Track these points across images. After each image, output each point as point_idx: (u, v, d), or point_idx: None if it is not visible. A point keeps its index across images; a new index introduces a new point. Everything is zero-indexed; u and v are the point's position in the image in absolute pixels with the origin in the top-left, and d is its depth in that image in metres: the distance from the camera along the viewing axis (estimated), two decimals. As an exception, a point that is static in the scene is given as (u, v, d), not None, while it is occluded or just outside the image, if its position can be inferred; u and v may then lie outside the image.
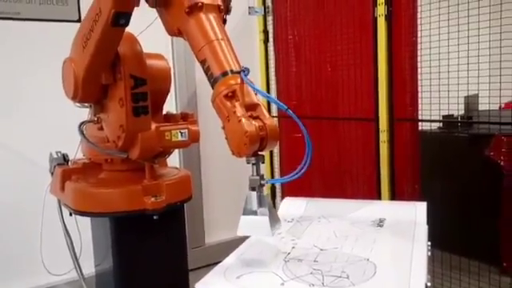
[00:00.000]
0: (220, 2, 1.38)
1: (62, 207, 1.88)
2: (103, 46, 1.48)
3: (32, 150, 2.76)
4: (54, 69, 2.82)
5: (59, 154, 1.89)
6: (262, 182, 1.21)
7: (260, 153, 1.21)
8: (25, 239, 2.65)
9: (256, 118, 1.19)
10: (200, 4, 1.31)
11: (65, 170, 1.82)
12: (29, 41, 2.81)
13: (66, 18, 2.88)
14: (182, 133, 1.65)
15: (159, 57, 1.75)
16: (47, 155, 1.93)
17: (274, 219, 1.22)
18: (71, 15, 2.89)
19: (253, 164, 1.21)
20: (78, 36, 1.57)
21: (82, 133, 1.69)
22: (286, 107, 1.21)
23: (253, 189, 1.21)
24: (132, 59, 1.57)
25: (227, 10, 1.46)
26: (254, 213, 1.21)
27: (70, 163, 1.88)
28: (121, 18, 1.38)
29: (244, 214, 1.23)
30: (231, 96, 1.19)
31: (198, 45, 1.30)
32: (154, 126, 1.60)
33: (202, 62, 1.28)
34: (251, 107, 1.21)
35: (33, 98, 2.84)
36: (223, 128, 1.21)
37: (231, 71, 1.24)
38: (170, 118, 1.76)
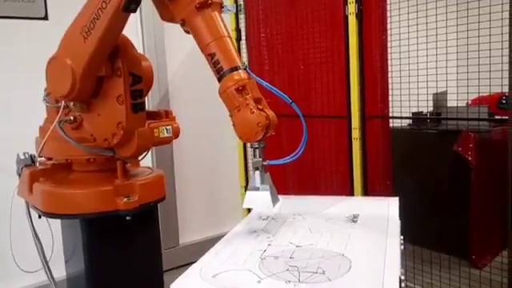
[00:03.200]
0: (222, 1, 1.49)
1: (31, 209, 1.82)
2: (110, 33, 1.49)
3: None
4: (20, 67, 2.78)
5: (27, 155, 1.84)
6: (264, 163, 1.41)
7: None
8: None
9: (261, 110, 1.36)
10: (210, 2, 1.40)
11: (33, 171, 1.77)
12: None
13: (33, 15, 2.81)
14: (167, 129, 1.71)
15: (143, 57, 1.76)
16: (14, 157, 1.87)
17: (273, 195, 1.43)
18: (38, 12, 2.82)
19: (255, 148, 1.40)
20: (73, 30, 1.54)
21: (64, 132, 1.64)
22: (290, 100, 1.41)
23: (256, 168, 1.42)
24: (130, 57, 1.60)
25: None
26: (257, 189, 1.42)
27: (37, 164, 1.83)
28: (132, 3, 1.42)
29: (248, 190, 1.43)
30: (241, 89, 1.34)
31: (206, 39, 1.40)
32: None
33: (210, 56, 1.39)
34: (257, 101, 1.38)
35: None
36: (231, 116, 1.37)
37: (239, 67, 1.37)
38: (154, 116, 1.76)
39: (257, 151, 1.40)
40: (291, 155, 1.43)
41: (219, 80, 1.38)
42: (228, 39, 1.41)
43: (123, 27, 1.55)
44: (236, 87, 1.34)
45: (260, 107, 1.36)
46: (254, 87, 1.40)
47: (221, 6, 1.46)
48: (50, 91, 1.68)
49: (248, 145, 3.61)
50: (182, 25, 1.45)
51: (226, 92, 1.36)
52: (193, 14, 1.40)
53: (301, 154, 1.42)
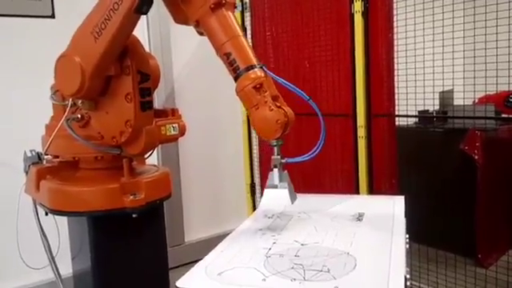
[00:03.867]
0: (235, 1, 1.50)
1: (38, 207, 1.84)
2: (121, 34, 1.50)
3: (5, 150, 2.70)
4: (27, 65, 2.80)
5: (33, 153, 1.85)
6: (283, 160, 1.42)
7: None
8: (1, 239, 2.60)
9: (279, 107, 1.36)
10: (224, 1, 1.41)
11: (40, 168, 1.78)
12: (0, 37, 2.74)
13: (40, 13, 2.82)
14: (173, 127, 1.73)
15: (150, 55, 1.77)
16: (19, 153, 1.88)
17: (292, 193, 1.46)
18: (45, 11, 2.83)
19: (274, 146, 1.41)
20: (84, 29, 1.54)
21: (72, 130, 1.65)
22: (308, 97, 1.43)
23: (275, 166, 1.43)
24: (139, 55, 1.60)
25: None
26: (275, 187, 1.44)
27: (44, 162, 1.84)
28: (144, 4, 1.43)
29: (267, 187, 1.45)
30: (259, 87, 1.34)
31: (222, 39, 1.40)
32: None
33: (226, 55, 1.40)
34: (274, 98, 1.38)
35: (5, 96, 2.78)
36: (249, 115, 1.37)
37: (255, 65, 1.38)
38: (160, 114, 1.77)
39: (275, 149, 1.41)
40: (309, 153, 1.44)
41: (236, 79, 1.39)
42: (243, 38, 1.42)
43: (134, 28, 1.56)
44: (253, 85, 1.34)
45: (278, 104, 1.37)
46: (271, 85, 1.40)
47: (234, 6, 1.47)
48: (59, 89, 1.69)
49: (254, 142, 3.62)
50: (196, 26, 1.46)
51: (243, 90, 1.36)
52: (207, 15, 1.41)
53: (318, 152, 1.43)
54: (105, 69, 1.56)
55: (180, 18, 1.53)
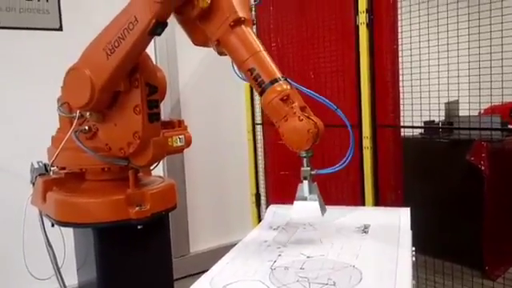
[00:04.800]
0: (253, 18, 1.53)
1: (44, 218, 1.84)
2: (134, 53, 1.52)
3: (13, 161, 2.72)
4: (36, 77, 2.83)
5: (40, 164, 1.86)
6: (312, 172, 1.41)
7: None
8: (7, 250, 2.61)
9: (308, 117, 1.35)
10: (243, 19, 1.42)
11: (46, 180, 1.79)
12: (9, 49, 2.78)
13: (48, 26, 2.86)
14: (180, 138, 1.74)
15: (158, 68, 1.78)
16: (28, 165, 1.89)
17: (321, 204, 1.43)
18: (52, 23, 2.87)
19: (304, 157, 1.39)
20: (97, 45, 1.56)
21: (80, 142, 1.67)
22: (335, 107, 1.45)
23: (304, 178, 1.41)
24: (147, 69, 1.62)
25: None
26: (305, 199, 1.42)
27: (51, 173, 1.85)
28: (159, 27, 1.44)
29: (297, 200, 1.43)
30: (286, 99, 1.35)
31: (244, 55, 1.41)
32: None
33: (250, 71, 1.41)
34: (302, 109, 1.37)
35: (13, 107, 2.80)
36: (278, 127, 1.37)
37: (280, 78, 1.38)
38: (167, 125, 1.78)
39: (304, 160, 1.40)
40: (339, 163, 1.43)
41: (261, 93, 1.39)
42: (265, 53, 1.43)
43: (146, 48, 1.58)
44: (280, 97, 1.34)
45: (306, 115, 1.36)
46: (298, 96, 1.40)
47: (252, 23, 1.48)
48: (68, 101, 1.70)
49: (259, 152, 3.63)
50: (217, 45, 1.46)
51: (270, 103, 1.36)
52: (227, 33, 1.42)
53: (349, 162, 1.42)
54: (115, 85, 1.57)
55: (199, 39, 1.53)
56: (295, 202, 1.42)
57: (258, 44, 1.43)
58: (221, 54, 1.51)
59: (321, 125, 1.37)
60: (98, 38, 1.57)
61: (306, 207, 1.41)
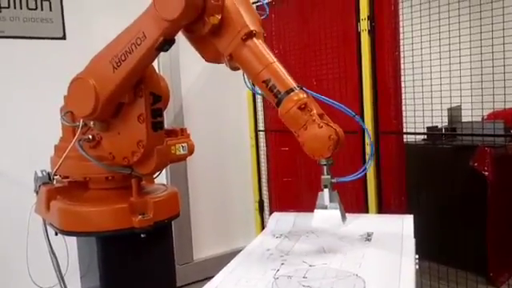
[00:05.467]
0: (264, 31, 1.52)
1: (48, 227, 1.85)
2: (140, 67, 1.53)
3: (16, 169, 2.73)
4: (40, 86, 2.85)
5: (44, 173, 1.86)
6: (332, 180, 1.40)
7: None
8: (11, 258, 2.61)
9: (327, 124, 1.35)
10: (254, 32, 1.43)
11: (50, 189, 1.80)
12: (14, 59, 2.80)
13: (51, 35, 2.88)
14: (183, 147, 1.75)
15: (161, 77, 1.79)
16: (32, 174, 1.90)
17: (342, 213, 1.42)
18: (56, 33, 2.89)
19: (324, 165, 1.39)
20: (103, 58, 1.57)
21: (84, 151, 1.68)
22: (353, 113, 1.47)
23: (325, 186, 1.41)
24: (151, 77, 1.63)
25: None
26: (326, 207, 1.41)
27: (54, 182, 1.86)
28: (167, 44, 1.46)
29: (317, 208, 1.43)
30: (304, 107, 1.34)
31: (257, 68, 1.42)
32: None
33: (265, 82, 1.40)
34: (320, 116, 1.37)
35: (17, 116, 2.82)
36: (298, 136, 1.36)
37: (295, 88, 1.38)
38: (170, 133, 1.79)
39: (325, 168, 1.39)
40: (359, 171, 1.43)
41: (278, 104, 1.38)
42: (278, 63, 1.43)
43: (152, 62, 1.60)
44: (298, 106, 1.34)
45: (325, 122, 1.36)
46: (315, 104, 1.39)
47: (263, 35, 1.48)
48: (72, 110, 1.70)
49: (262, 159, 3.63)
50: (230, 60, 1.46)
51: (288, 113, 1.35)
52: (240, 46, 1.42)
53: (367, 170, 1.44)
54: (120, 96, 1.59)
55: (210, 55, 1.53)
56: (316, 211, 1.42)
57: (270, 55, 1.43)
58: (233, 68, 1.52)
59: (341, 131, 1.36)
60: (105, 50, 1.59)
61: (326, 216, 1.41)
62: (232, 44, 1.42)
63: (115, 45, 1.54)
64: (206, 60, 1.57)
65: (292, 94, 1.36)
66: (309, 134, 1.33)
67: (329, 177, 1.40)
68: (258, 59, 1.42)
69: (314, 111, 1.35)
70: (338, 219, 1.39)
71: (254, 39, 1.43)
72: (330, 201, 1.41)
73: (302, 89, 1.39)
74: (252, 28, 1.42)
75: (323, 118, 1.37)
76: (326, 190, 1.40)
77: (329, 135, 1.31)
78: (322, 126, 1.32)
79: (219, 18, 1.41)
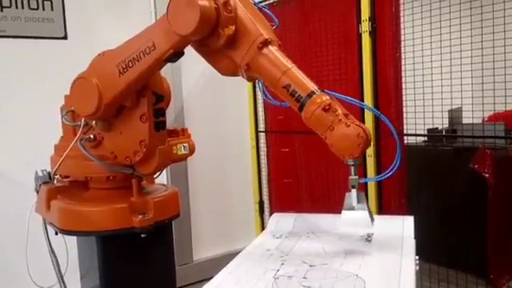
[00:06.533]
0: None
1: (48, 226, 1.85)
2: (146, 75, 1.54)
3: (16, 168, 2.73)
4: (41, 85, 2.85)
5: (45, 173, 1.87)
6: (360, 181, 1.38)
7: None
8: (10, 258, 2.61)
9: (353, 123, 1.34)
10: (269, 40, 1.42)
11: (50, 188, 1.80)
12: (15, 58, 2.80)
13: (53, 35, 2.89)
14: (184, 146, 1.76)
15: (163, 78, 1.79)
16: (32, 173, 1.90)
17: (370, 214, 1.39)
18: (57, 32, 2.90)
19: (351, 165, 1.36)
20: (110, 60, 1.57)
21: (86, 150, 1.68)
22: (378, 112, 1.50)
23: (353, 187, 1.38)
24: (154, 77, 1.63)
25: None
26: (353, 208, 1.38)
27: (55, 181, 1.86)
28: (176, 56, 1.47)
29: (344, 209, 1.40)
30: (328, 109, 1.33)
31: (276, 75, 1.40)
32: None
33: (285, 88, 1.39)
34: (345, 116, 1.36)
35: (18, 115, 2.82)
36: (325, 138, 1.35)
37: (317, 90, 1.37)
38: (171, 133, 1.80)
39: (353, 168, 1.37)
40: (386, 172, 1.41)
41: (300, 108, 1.37)
42: (295, 68, 1.42)
43: (159, 71, 1.62)
44: (322, 107, 1.33)
45: (351, 121, 1.35)
46: (339, 104, 1.38)
47: (278, 43, 1.48)
48: (74, 109, 1.71)
49: (262, 160, 3.63)
50: (247, 70, 1.45)
51: (313, 115, 1.34)
52: (257, 55, 1.41)
53: (395, 171, 1.39)
54: (122, 100, 1.59)
55: (225, 68, 1.52)
56: (343, 212, 1.40)
57: (288, 61, 1.42)
58: (251, 79, 1.51)
59: (368, 130, 1.35)
60: (112, 53, 1.59)
61: (355, 217, 1.38)
62: (249, 53, 1.41)
63: (124, 50, 1.54)
64: (221, 74, 1.55)
65: (314, 96, 1.35)
66: (337, 134, 1.32)
67: (356, 177, 1.37)
68: (276, 66, 1.41)
69: (339, 111, 1.34)
70: (367, 221, 1.37)
71: (270, 47, 1.42)
72: (358, 202, 1.38)
73: (323, 91, 1.37)
74: (267, 36, 1.41)
75: (348, 118, 1.36)
76: (354, 191, 1.38)
77: (358, 133, 1.30)
78: (349, 125, 1.31)
79: (233, 28, 1.40)
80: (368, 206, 1.40)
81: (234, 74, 1.51)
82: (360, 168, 2.60)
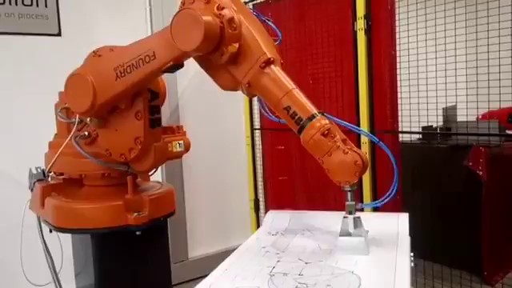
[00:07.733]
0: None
1: (42, 224, 1.84)
2: (143, 82, 1.54)
3: (11, 166, 2.72)
4: (34, 82, 2.83)
5: (39, 170, 1.86)
6: (357, 206, 1.39)
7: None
8: (5, 255, 2.60)
9: (351, 150, 1.34)
10: (272, 59, 1.41)
11: (45, 185, 1.79)
12: (8, 55, 2.78)
13: (46, 31, 2.87)
14: (179, 144, 1.75)
15: None
16: (27, 171, 1.89)
17: (367, 240, 1.39)
18: (51, 29, 2.88)
19: (348, 191, 1.37)
20: (108, 62, 1.55)
21: (80, 147, 1.67)
22: (377, 140, 1.50)
23: (350, 212, 1.39)
24: None
25: None
26: (349, 234, 1.39)
27: (49, 179, 1.85)
28: (175, 68, 1.46)
29: (341, 235, 1.40)
30: (327, 134, 1.33)
31: (278, 95, 1.40)
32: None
33: (286, 109, 1.39)
34: (343, 142, 1.36)
35: (11, 111, 2.80)
36: (322, 163, 1.35)
37: (317, 114, 1.36)
38: (166, 130, 1.79)
39: (349, 194, 1.38)
40: (385, 196, 1.43)
41: (300, 131, 1.37)
42: (297, 90, 1.41)
43: (156, 79, 1.62)
44: (321, 132, 1.33)
45: (349, 147, 1.34)
46: (338, 129, 1.38)
47: (281, 62, 1.46)
48: (68, 106, 1.69)
49: (258, 158, 3.63)
50: (248, 87, 1.44)
51: (312, 139, 1.34)
52: (259, 74, 1.40)
53: (393, 197, 1.41)
54: (117, 102, 1.59)
55: (227, 84, 1.50)
56: (339, 238, 1.40)
57: (289, 82, 1.41)
58: (251, 95, 1.51)
59: (365, 156, 1.35)
60: (110, 54, 1.57)
61: (351, 243, 1.38)
62: (250, 72, 1.40)
63: (123, 54, 1.52)
64: (222, 89, 1.54)
65: (314, 120, 1.34)
66: (334, 160, 1.32)
67: (353, 203, 1.38)
68: (277, 86, 1.40)
69: (338, 137, 1.34)
70: (364, 247, 1.36)
71: (272, 66, 1.41)
72: (355, 227, 1.38)
73: (323, 115, 1.37)
74: (270, 55, 1.39)
75: (346, 144, 1.36)
76: (351, 217, 1.38)
77: (355, 161, 1.30)
78: (347, 152, 1.31)
79: (237, 46, 1.38)
80: (365, 231, 1.40)
81: (235, 89, 1.50)
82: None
